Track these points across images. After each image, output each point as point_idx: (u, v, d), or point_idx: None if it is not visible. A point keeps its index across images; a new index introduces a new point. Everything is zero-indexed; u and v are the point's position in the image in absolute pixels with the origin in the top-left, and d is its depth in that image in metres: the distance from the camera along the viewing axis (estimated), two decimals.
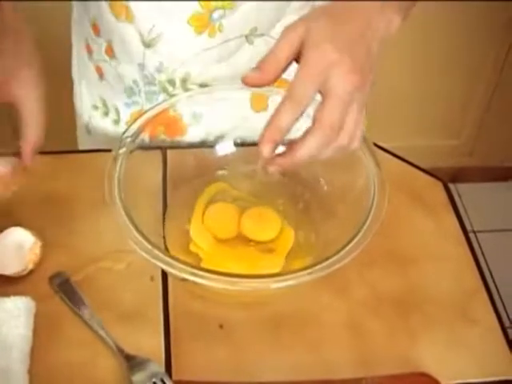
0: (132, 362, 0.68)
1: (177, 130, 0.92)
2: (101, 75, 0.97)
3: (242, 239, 0.79)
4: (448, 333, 0.75)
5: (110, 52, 0.92)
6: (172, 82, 0.90)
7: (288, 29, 0.62)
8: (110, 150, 0.76)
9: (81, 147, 1.10)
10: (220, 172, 0.85)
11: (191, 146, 0.93)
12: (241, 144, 0.88)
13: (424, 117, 2.06)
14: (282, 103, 0.60)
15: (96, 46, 0.94)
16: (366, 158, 0.77)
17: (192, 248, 0.77)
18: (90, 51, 0.97)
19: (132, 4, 0.84)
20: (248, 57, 0.89)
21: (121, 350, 0.69)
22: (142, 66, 0.90)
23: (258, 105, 0.89)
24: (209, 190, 0.83)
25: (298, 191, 0.83)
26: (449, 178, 2.13)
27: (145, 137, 0.79)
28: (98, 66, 0.96)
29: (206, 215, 0.80)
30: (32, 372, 0.67)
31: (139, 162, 0.77)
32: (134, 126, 0.78)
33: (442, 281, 0.80)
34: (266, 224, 0.80)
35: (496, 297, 0.79)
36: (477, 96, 2.05)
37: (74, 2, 0.98)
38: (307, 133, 0.61)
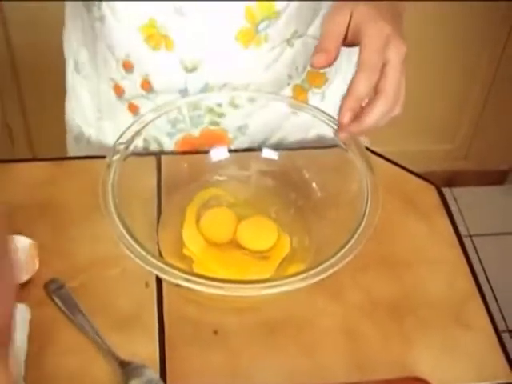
0: (127, 368, 0.68)
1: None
2: (136, 112, 0.93)
3: (237, 245, 0.79)
4: (442, 337, 0.75)
5: (147, 85, 0.89)
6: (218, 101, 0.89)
7: (330, 14, 0.71)
8: (104, 157, 0.76)
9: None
10: (214, 178, 0.85)
11: (185, 152, 0.93)
12: (235, 150, 0.88)
13: (418, 121, 2.06)
14: (357, 74, 0.67)
15: (128, 83, 0.91)
16: (358, 162, 0.77)
17: (185, 252, 0.78)
18: (119, 91, 0.93)
19: (173, 32, 0.82)
20: (289, 60, 0.89)
21: (116, 356, 0.69)
22: (183, 92, 0.88)
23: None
24: (201, 195, 0.83)
25: (291, 197, 0.83)
26: (444, 181, 2.14)
27: (139, 143, 0.79)
28: (131, 103, 0.93)
29: (203, 219, 0.80)
30: (27, 379, 0.67)
31: (133, 169, 0.77)
32: (128, 133, 0.78)
33: (436, 285, 0.79)
34: (262, 234, 0.80)
35: (492, 301, 0.79)
36: (471, 99, 2.05)
37: (84, 43, 0.96)
38: (374, 101, 0.68)
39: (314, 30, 0.88)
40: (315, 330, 0.74)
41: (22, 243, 0.76)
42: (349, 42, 0.70)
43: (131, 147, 0.77)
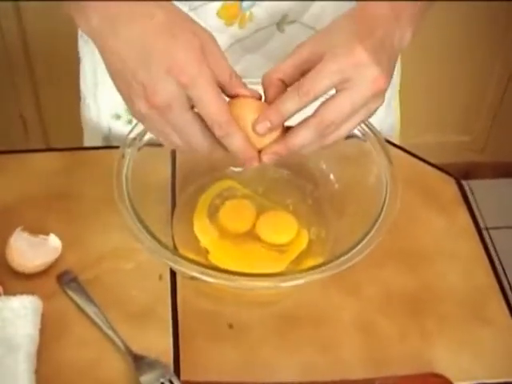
0: (140, 362, 0.67)
1: None
2: None
3: (252, 237, 0.78)
4: (461, 332, 0.74)
5: None
6: None
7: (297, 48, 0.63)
8: (118, 147, 0.75)
9: None
10: (229, 169, 0.84)
11: None
12: None
13: (436, 113, 2.05)
14: (292, 91, 0.60)
15: None
16: (377, 154, 0.76)
17: (201, 244, 0.77)
18: None
19: None
20: (279, 45, 0.86)
21: (129, 350, 0.68)
22: None
23: None
24: (215, 187, 0.82)
25: (308, 189, 0.82)
26: (461, 174, 2.12)
27: None
28: None
29: (222, 210, 0.79)
30: (39, 372, 0.66)
31: (148, 160, 0.76)
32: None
33: (455, 279, 0.78)
34: (282, 227, 0.78)
35: (510, 294, 0.78)
36: (489, 91, 2.03)
37: None
38: (304, 122, 0.61)
39: (308, 17, 0.84)
40: (332, 324, 0.73)
41: (53, 242, 0.76)
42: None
43: (145, 137, 0.76)
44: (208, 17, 0.82)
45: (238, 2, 0.81)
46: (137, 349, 0.69)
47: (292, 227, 0.78)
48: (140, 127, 0.75)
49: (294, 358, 0.71)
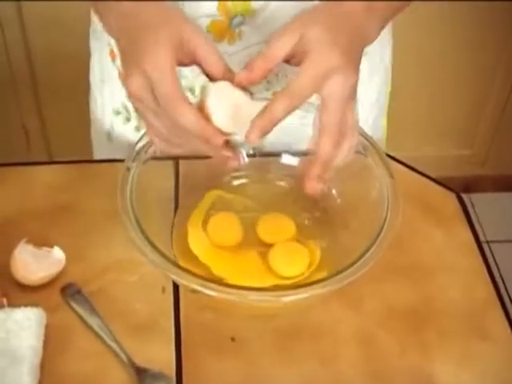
0: (143, 375, 0.68)
1: None
2: None
3: (249, 244, 0.78)
4: (461, 346, 0.74)
5: None
6: (192, 90, 0.89)
7: (281, 32, 0.65)
8: (122, 160, 0.75)
9: (98, 155, 1.09)
10: (232, 182, 0.85)
11: (202, 156, 0.92)
12: (253, 155, 0.88)
13: (436, 126, 2.05)
14: (280, 96, 0.63)
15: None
16: (378, 168, 0.77)
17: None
18: (113, 56, 0.95)
19: None
20: None
21: (132, 363, 0.69)
22: None
23: None
24: (209, 197, 0.83)
25: (309, 203, 0.82)
26: (462, 187, 2.12)
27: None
28: (121, 71, 0.95)
29: (210, 223, 0.79)
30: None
31: (151, 173, 0.76)
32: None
33: (455, 293, 0.79)
34: (294, 260, 0.77)
35: (510, 308, 0.78)
36: (490, 104, 2.04)
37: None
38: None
39: None
40: (333, 338, 0.74)
41: (57, 254, 0.77)
42: (296, 63, 0.65)
43: (150, 150, 0.76)
44: None
45: (228, 20, 0.82)
46: (140, 361, 0.69)
47: (304, 258, 0.77)
48: (145, 139, 0.76)
49: (294, 370, 0.71)
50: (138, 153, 0.76)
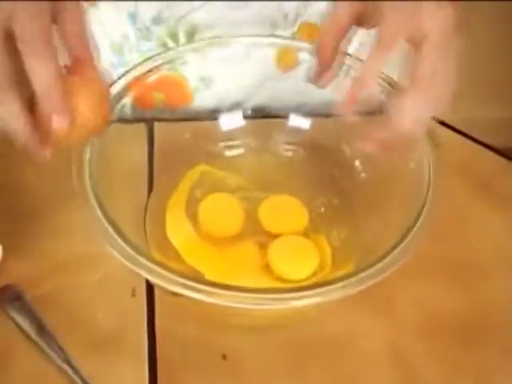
0: None
1: (179, 98, 0.92)
2: None
3: (246, 235, 0.79)
4: None
5: None
6: (174, 37, 0.90)
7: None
8: None
9: None
10: (223, 153, 0.85)
11: (185, 118, 0.93)
12: (254, 116, 0.88)
13: (493, 81, 2.05)
14: (374, 50, 0.66)
15: None
16: None
17: None
18: None
19: None
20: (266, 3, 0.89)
21: None
22: (133, 17, 0.90)
23: (286, 62, 0.89)
24: (193, 172, 0.84)
25: (325, 179, 0.83)
26: None
27: (126, 106, 0.79)
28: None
29: (201, 208, 0.81)
30: None
31: (118, 140, 0.76)
32: (113, 91, 0.77)
33: None
34: (300, 260, 0.78)
35: None
36: None
37: None
38: (404, 96, 0.66)
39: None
40: (355, 356, 0.74)
41: None
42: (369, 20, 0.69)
43: (116, 111, 0.77)
44: None
45: None
46: None
47: (312, 260, 0.77)
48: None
49: None
50: None
